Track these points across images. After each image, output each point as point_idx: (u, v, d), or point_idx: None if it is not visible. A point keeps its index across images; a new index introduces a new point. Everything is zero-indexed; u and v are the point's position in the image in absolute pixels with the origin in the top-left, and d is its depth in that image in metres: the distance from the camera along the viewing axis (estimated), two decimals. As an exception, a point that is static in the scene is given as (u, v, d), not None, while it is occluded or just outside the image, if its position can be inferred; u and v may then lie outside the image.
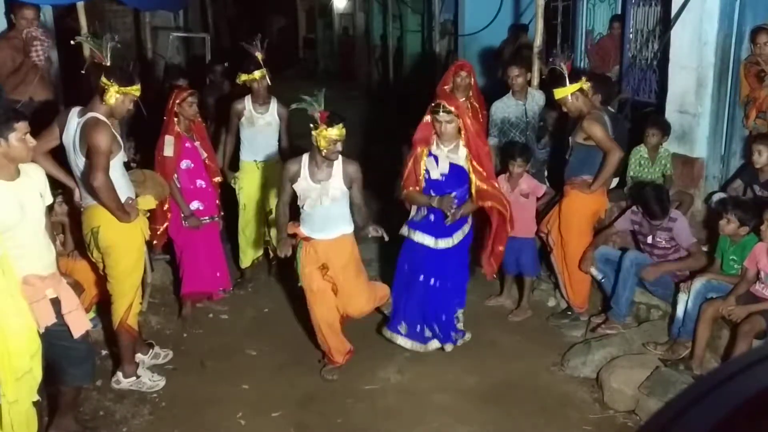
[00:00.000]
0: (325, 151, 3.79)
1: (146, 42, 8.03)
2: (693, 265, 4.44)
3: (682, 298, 4.22)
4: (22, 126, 2.97)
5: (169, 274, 5.55)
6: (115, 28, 9.11)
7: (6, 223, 2.96)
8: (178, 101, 4.78)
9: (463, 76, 5.39)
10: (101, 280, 4.52)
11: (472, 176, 4.15)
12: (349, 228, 4.10)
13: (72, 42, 4.25)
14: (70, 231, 4.66)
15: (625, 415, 3.93)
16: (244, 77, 5.28)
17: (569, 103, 4.49)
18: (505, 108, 5.40)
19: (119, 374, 4.11)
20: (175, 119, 4.82)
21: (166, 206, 4.83)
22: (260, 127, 5.37)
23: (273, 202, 5.51)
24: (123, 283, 3.95)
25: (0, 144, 2.93)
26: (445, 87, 5.47)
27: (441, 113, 4.07)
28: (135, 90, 3.79)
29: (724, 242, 4.28)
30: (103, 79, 3.71)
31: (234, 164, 5.52)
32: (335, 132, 3.77)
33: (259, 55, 5.28)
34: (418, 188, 4.28)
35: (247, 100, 5.35)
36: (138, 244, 3.96)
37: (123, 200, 3.83)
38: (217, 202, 5.14)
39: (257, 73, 5.24)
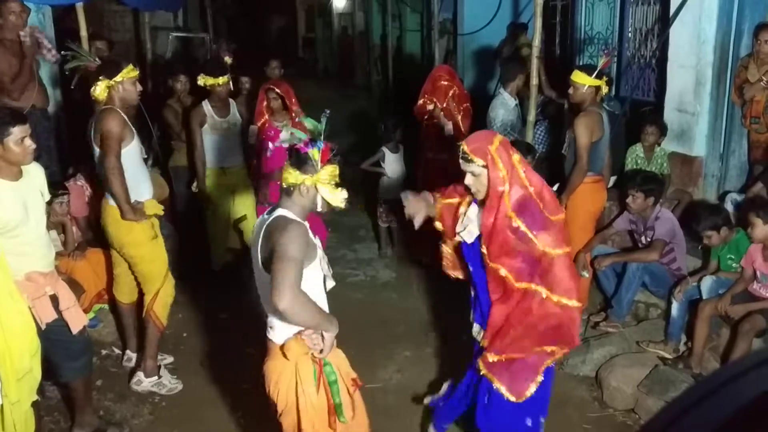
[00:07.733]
0: (327, 207, 2.49)
1: (146, 42, 8.04)
2: (638, 257, 4.50)
3: (678, 297, 4.22)
4: (18, 130, 2.95)
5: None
6: (115, 28, 9.14)
7: (11, 222, 2.98)
8: None
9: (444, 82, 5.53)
10: (101, 280, 4.54)
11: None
12: None
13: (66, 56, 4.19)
14: (82, 227, 4.68)
15: (624, 414, 3.95)
16: (210, 81, 5.08)
17: (579, 90, 4.39)
18: (508, 110, 5.37)
19: (140, 374, 4.08)
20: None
21: None
22: (225, 132, 5.26)
23: (241, 207, 5.46)
24: (145, 270, 3.98)
25: None
26: (427, 96, 5.61)
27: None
28: (127, 73, 3.75)
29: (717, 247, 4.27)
30: (98, 80, 3.72)
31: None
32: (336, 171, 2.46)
33: (228, 60, 5.10)
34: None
35: (206, 106, 5.17)
36: (146, 237, 3.92)
37: (139, 192, 3.84)
38: None
39: (222, 79, 5.07)
